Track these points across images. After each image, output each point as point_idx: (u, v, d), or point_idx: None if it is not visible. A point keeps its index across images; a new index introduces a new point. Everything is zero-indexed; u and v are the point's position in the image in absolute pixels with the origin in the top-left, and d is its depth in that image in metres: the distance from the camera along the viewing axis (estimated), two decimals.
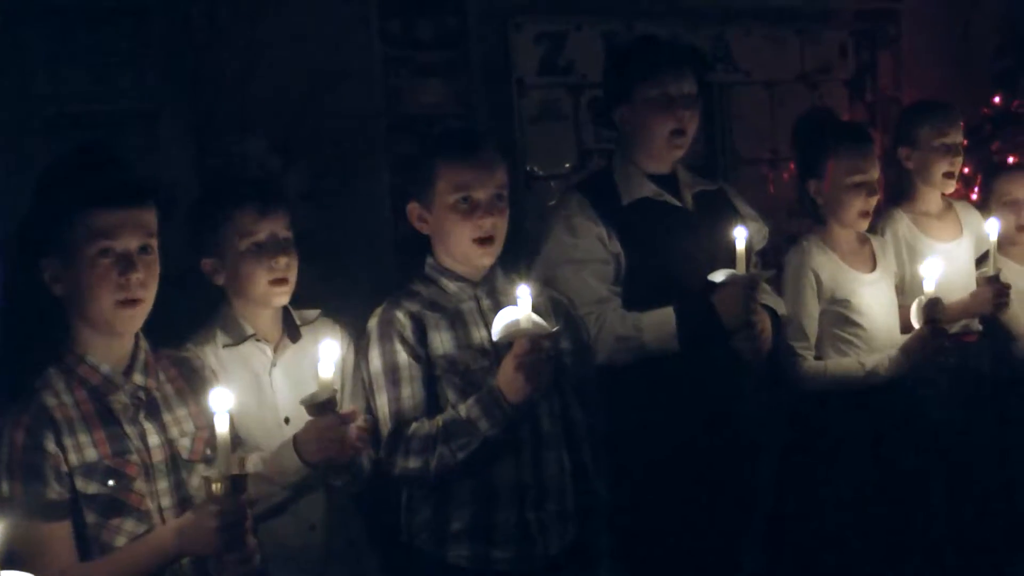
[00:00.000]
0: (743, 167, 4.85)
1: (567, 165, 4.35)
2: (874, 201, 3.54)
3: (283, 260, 2.72)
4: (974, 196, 4.38)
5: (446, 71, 4.12)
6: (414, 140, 3.87)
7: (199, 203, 2.85)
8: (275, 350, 2.77)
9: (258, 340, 2.75)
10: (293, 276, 2.76)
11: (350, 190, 3.86)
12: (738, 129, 4.85)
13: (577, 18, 4.37)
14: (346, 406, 2.66)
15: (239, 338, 2.74)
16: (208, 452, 2.33)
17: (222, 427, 2.08)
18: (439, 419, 2.65)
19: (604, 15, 4.41)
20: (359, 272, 3.61)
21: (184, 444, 2.33)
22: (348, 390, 2.78)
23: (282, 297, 2.76)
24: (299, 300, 2.84)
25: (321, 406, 2.48)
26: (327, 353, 2.48)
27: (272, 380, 2.74)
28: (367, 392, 2.74)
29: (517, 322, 2.53)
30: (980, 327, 3.83)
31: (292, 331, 2.80)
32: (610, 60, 3.40)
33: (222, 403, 2.09)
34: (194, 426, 2.36)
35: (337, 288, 3.13)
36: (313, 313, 2.88)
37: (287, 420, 2.71)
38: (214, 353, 2.71)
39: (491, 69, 4.20)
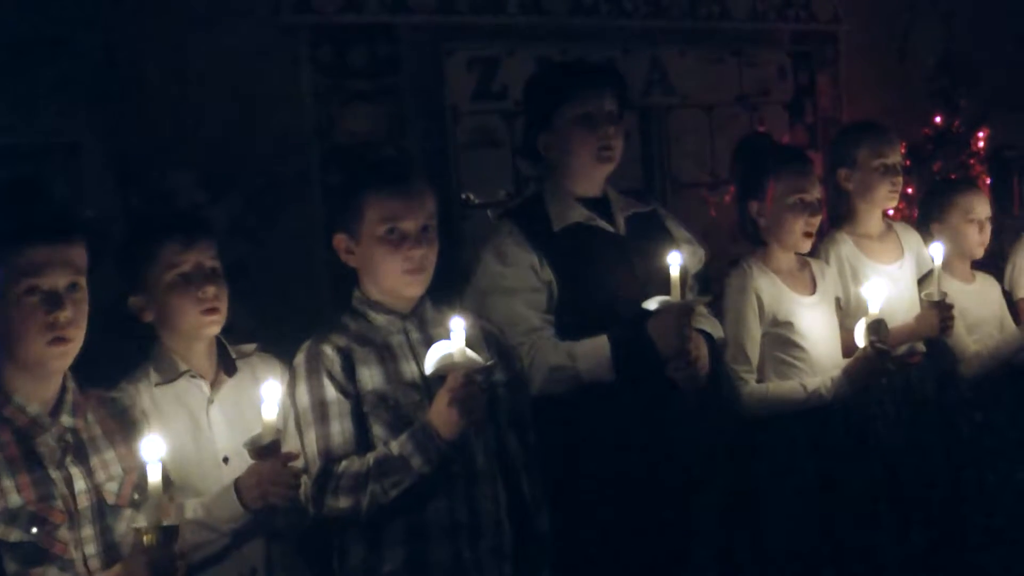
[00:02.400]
0: (683, 191, 4.89)
1: (503, 192, 4.35)
2: (816, 221, 3.60)
3: (211, 290, 2.69)
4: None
5: (378, 98, 4.12)
6: (347, 169, 3.86)
7: (122, 240, 2.82)
8: (212, 386, 2.74)
9: (193, 376, 2.72)
10: (223, 306, 2.73)
11: (282, 221, 3.85)
12: (676, 153, 4.90)
13: (510, 43, 4.41)
14: (287, 443, 2.65)
15: (172, 375, 2.70)
16: (136, 496, 2.33)
17: (154, 476, 2.07)
18: (370, 457, 2.65)
19: (537, 40, 4.46)
20: (294, 305, 3.59)
21: (111, 489, 2.32)
22: (290, 428, 2.75)
23: (213, 326, 2.73)
24: (234, 335, 2.83)
25: (265, 449, 2.46)
26: (270, 394, 2.47)
27: (209, 417, 2.71)
28: (296, 429, 2.73)
29: (450, 356, 2.55)
30: (924, 348, 3.87)
31: (228, 365, 2.78)
32: (528, 89, 3.42)
33: (154, 451, 2.07)
34: (121, 469, 2.35)
35: (272, 322, 3.12)
36: (250, 347, 2.86)
37: (226, 459, 2.68)
38: (148, 392, 2.67)
39: (424, 96, 4.22)
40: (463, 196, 4.27)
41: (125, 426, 2.40)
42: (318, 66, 4.03)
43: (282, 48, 3.95)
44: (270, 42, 3.91)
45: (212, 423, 2.71)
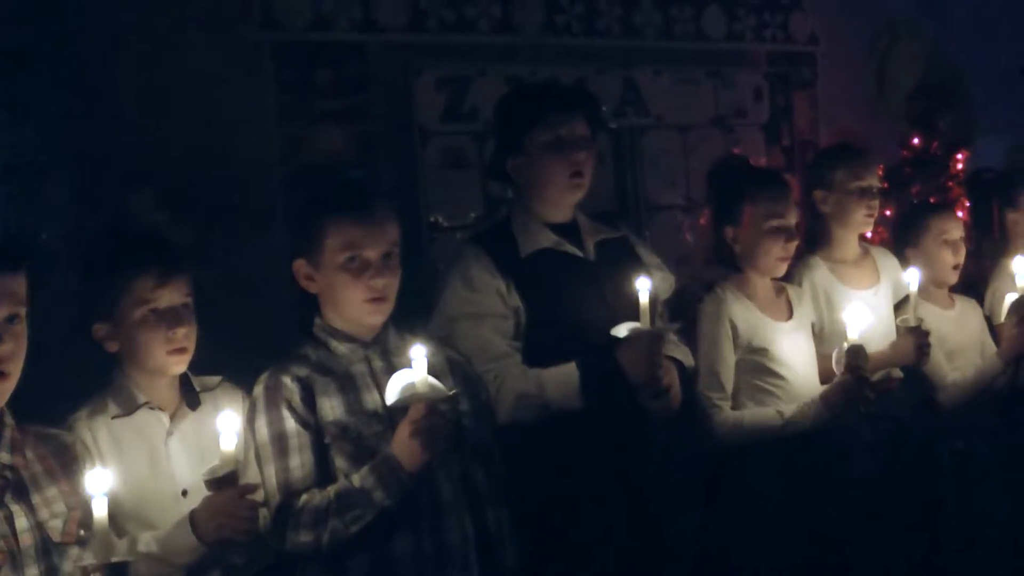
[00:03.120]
0: (656, 214, 4.90)
1: (472, 215, 4.34)
2: (793, 247, 3.59)
3: (181, 331, 2.67)
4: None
5: (345, 119, 4.12)
6: (309, 192, 3.83)
7: (92, 265, 2.79)
8: (172, 418, 2.71)
9: (153, 408, 2.70)
10: (192, 344, 2.72)
11: (245, 244, 3.82)
12: (650, 175, 4.90)
13: (480, 63, 4.41)
14: (247, 475, 2.64)
15: (131, 408, 2.67)
16: (82, 533, 2.29)
17: (100, 511, 2.03)
18: (331, 490, 2.63)
19: (508, 60, 4.46)
20: (256, 332, 3.54)
21: (55, 526, 2.28)
22: (251, 460, 2.73)
23: (180, 365, 2.72)
24: (195, 362, 2.78)
25: (222, 480, 2.44)
26: (227, 424, 2.45)
27: (168, 450, 2.68)
28: (256, 462, 2.71)
29: (412, 385, 2.53)
30: (901, 374, 3.87)
31: (191, 398, 2.75)
32: (497, 111, 3.40)
33: (100, 485, 2.04)
34: (65, 506, 2.31)
35: (233, 349, 3.07)
36: (214, 380, 2.84)
37: (185, 493, 2.65)
38: (105, 424, 2.64)
39: (392, 116, 4.22)
40: (431, 219, 4.26)
41: (67, 463, 2.36)
42: (284, 84, 4.02)
43: (247, 66, 3.93)
44: (235, 59, 3.89)
45: (171, 456, 2.68)
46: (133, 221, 3.55)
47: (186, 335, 2.68)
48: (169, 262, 2.70)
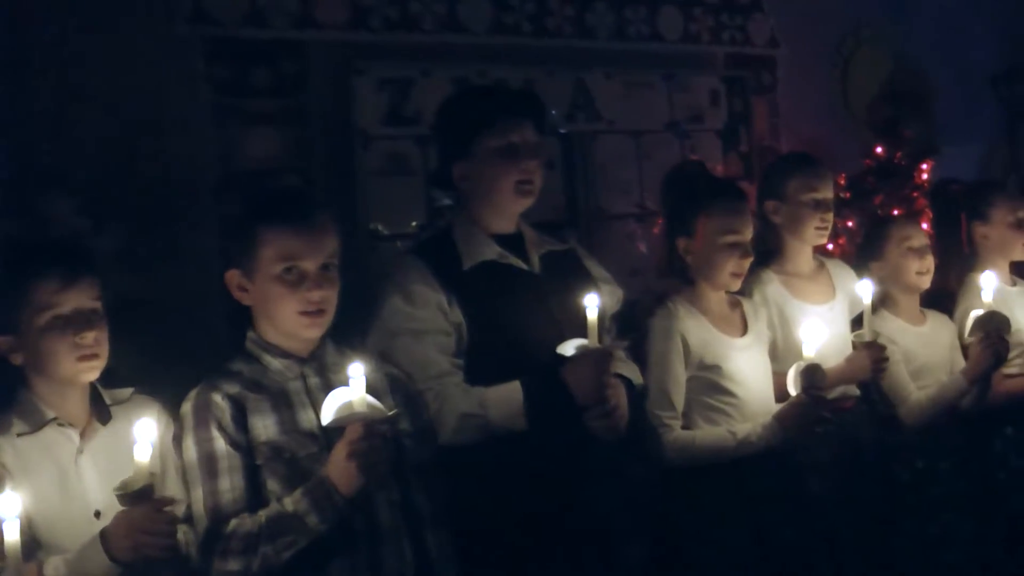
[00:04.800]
0: (608, 223, 4.92)
1: (414, 224, 4.35)
2: (747, 263, 3.61)
3: (90, 335, 2.66)
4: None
5: (281, 121, 4.11)
6: (243, 199, 3.83)
7: None
8: (82, 435, 2.70)
9: (61, 424, 2.68)
10: (103, 350, 2.70)
11: (174, 253, 3.82)
12: (602, 182, 4.93)
13: (425, 63, 4.41)
14: (168, 490, 2.64)
15: (37, 424, 2.66)
16: None
17: (11, 535, 2.04)
18: (262, 514, 2.63)
19: (454, 60, 4.47)
20: (184, 346, 3.55)
21: None
22: (171, 477, 2.74)
23: (91, 373, 2.70)
24: (115, 377, 2.80)
25: (136, 495, 2.44)
26: (143, 434, 2.45)
27: (79, 469, 2.67)
28: (182, 484, 2.72)
29: (350, 404, 2.53)
30: (857, 392, 3.93)
31: (102, 412, 2.75)
32: (443, 114, 3.42)
33: (10, 509, 2.04)
34: None
35: (159, 364, 3.08)
36: (125, 392, 2.82)
37: (98, 514, 2.64)
38: (10, 444, 2.62)
39: (331, 119, 4.22)
40: (372, 227, 4.27)
41: None
42: (216, 84, 4.01)
43: (176, 63, 3.91)
44: (163, 56, 3.87)
45: (82, 475, 2.67)
46: (54, 228, 3.54)
47: (96, 340, 2.67)
48: (72, 264, 2.69)
